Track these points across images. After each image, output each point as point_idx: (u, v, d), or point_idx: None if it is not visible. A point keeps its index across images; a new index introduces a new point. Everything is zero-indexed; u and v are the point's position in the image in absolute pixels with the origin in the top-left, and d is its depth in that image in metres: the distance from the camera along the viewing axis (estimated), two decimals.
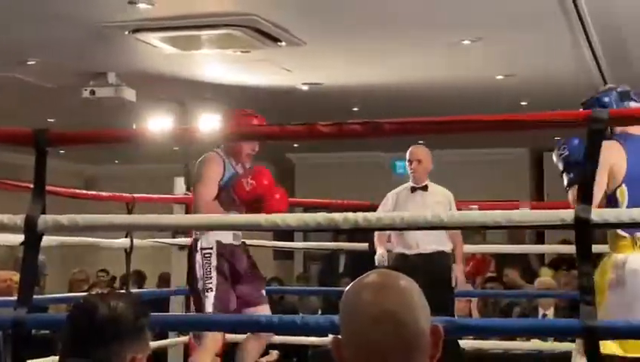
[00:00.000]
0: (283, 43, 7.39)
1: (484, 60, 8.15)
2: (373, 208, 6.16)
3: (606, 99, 4.06)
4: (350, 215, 3.76)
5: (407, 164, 6.15)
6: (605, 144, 3.49)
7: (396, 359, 1.54)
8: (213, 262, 4.81)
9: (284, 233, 10.49)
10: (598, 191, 3.67)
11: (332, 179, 12.65)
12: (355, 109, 10.12)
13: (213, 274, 4.80)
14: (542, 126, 3.65)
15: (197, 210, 4.79)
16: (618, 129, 4.00)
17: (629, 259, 3.85)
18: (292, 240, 10.91)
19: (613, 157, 3.87)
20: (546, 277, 8.28)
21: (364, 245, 7.11)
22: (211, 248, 4.82)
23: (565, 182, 4.03)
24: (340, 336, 1.60)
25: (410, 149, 6.16)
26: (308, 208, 9.45)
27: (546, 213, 3.39)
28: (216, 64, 8.32)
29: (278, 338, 6.94)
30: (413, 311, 1.57)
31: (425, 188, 6.10)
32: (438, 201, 6.00)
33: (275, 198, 4.83)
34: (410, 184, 6.14)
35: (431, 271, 5.72)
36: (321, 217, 3.80)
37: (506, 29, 7.14)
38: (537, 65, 8.30)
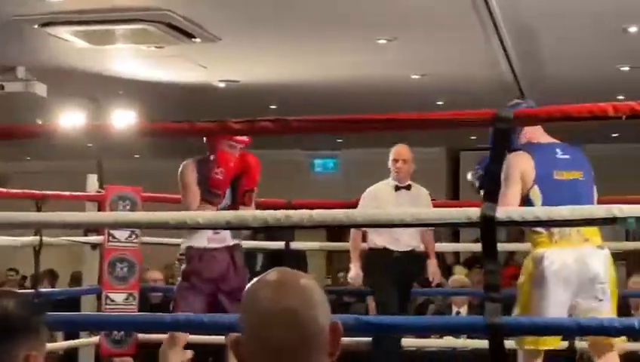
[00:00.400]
0: (198, 39, 7.33)
1: (400, 60, 8.20)
2: (290, 206, 6.10)
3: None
4: (259, 213, 3.75)
5: (391, 162, 6.20)
6: (515, 154, 4.15)
7: (294, 356, 1.54)
8: (182, 265, 4.99)
9: None
10: (515, 197, 4.08)
11: None
12: (273, 107, 10.09)
13: (178, 278, 4.99)
14: (449, 125, 3.70)
15: None
16: (524, 140, 4.34)
17: (547, 254, 4.08)
18: None
19: (522, 164, 4.18)
20: (459, 275, 8.37)
21: (281, 244, 7.10)
22: (183, 254, 4.99)
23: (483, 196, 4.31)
24: (239, 334, 1.58)
25: (395, 149, 6.25)
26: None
27: (453, 211, 3.41)
28: (129, 59, 8.22)
29: (194, 338, 6.91)
30: (313, 308, 1.56)
31: (408, 187, 6.18)
32: (421, 201, 6.09)
33: (249, 169, 5.01)
34: (390, 182, 6.18)
35: (411, 268, 6.02)
36: (230, 215, 3.78)
37: (421, 29, 7.20)
38: (452, 65, 8.39)
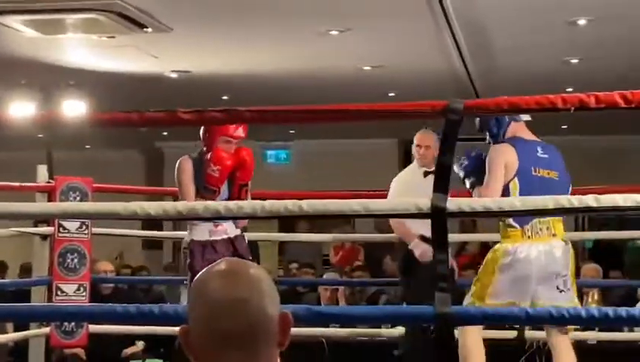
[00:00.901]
0: (149, 29, 7.28)
1: (353, 51, 8.21)
2: None
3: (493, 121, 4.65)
4: (211, 204, 3.74)
5: (415, 149, 6.03)
6: (500, 145, 4.48)
7: (243, 345, 1.54)
8: (187, 260, 5.08)
9: (154, 223, 10.39)
10: (498, 185, 4.37)
11: None
12: (225, 98, 10.06)
13: (188, 271, 5.07)
14: (400, 116, 3.72)
15: None
16: (509, 134, 4.60)
17: (518, 247, 4.35)
18: (161, 230, 10.83)
19: (507, 154, 4.43)
20: None
21: None
22: (186, 247, 5.08)
23: (468, 186, 4.72)
24: (189, 325, 1.58)
25: (417, 135, 6.03)
26: (177, 198, 9.35)
27: (403, 201, 3.44)
28: (80, 49, 8.14)
29: (144, 329, 6.88)
30: (262, 298, 1.56)
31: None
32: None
33: (245, 163, 5.14)
34: (418, 168, 5.98)
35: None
36: (182, 206, 3.77)
37: (373, 20, 7.21)
38: (404, 57, 8.42)
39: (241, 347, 1.54)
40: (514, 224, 4.39)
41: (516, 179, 4.40)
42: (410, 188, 5.68)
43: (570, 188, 4.50)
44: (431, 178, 5.80)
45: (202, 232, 5.03)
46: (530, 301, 4.30)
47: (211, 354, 1.55)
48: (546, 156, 4.52)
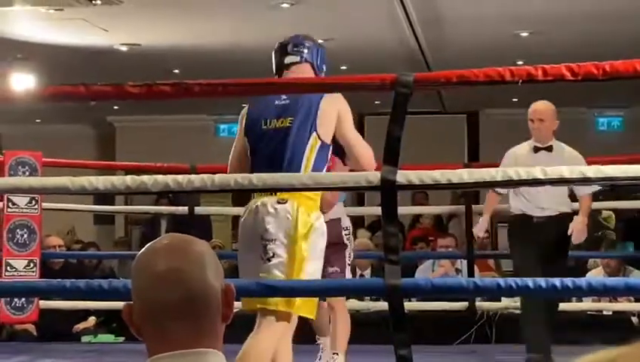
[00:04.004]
0: (98, 1, 7.21)
1: (303, 24, 8.14)
2: (194, 171, 6.07)
3: None
4: (160, 177, 3.72)
5: (529, 122, 5.54)
6: None
7: (182, 316, 1.53)
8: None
9: (105, 197, 10.31)
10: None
11: (155, 143, 12.46)
12: (176, 71, 9.99)
13: None
14: (350, 88, 3.71)
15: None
16: None
17: None
18: (113, 205, 10.76)
19: None
20: (363, 238, 8.44)
21: (185, 209, 7.07)
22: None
23: None
24: (131, 302, 1.58)
25: (531, 107, 5.56)
26: (129, 172, 9.28)
27: (353, 174, 3.45)
28: (28, 22, 8.02)
29: (96, 304, 6.84)
30: (201, 269, 1.56)
31: (549, 148, 5.52)
32: (564, 163, 5.11)
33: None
34: (531, 142, 5.56)
35: (555, 234, 5.41)
36: (130, 180, 3.74)
37: None
38: (356, 30, 8.41)
39: (181, 318, 1.53)
40: None
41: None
42: (517, 163, 5.21)
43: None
44: (542, 154, 5.52)
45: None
46: None
47: (152, 326, 1.54)
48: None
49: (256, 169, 3.67)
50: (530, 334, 5.23)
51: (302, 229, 3.48)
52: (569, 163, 5.07)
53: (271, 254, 3.47)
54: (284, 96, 3.75)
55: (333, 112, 3.67)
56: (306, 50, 3.86)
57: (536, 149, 5.50)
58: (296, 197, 3.52)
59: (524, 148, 5.58)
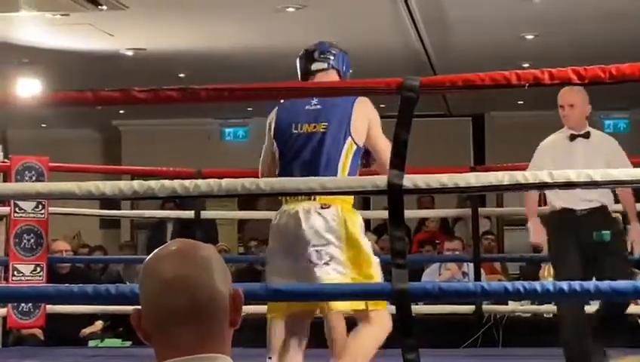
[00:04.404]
0: (104, 6, 7.21)
1: (309, 27, 8.16)
2: (200, 175, 6.07)
3: None
4: (167, 182, 3.72)
5: (559, 109, 5.25)
6: None
7: (189, 321, 1.54)
8: None
9: (111, 201, 10.31)
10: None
11: (161, 147, 12.48)
12: (182, 75, 10.00)
13: None
14: (356, 93, 3.71)
15: None
16: None
17: None
18: (119, 209, 10.76)
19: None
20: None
21: (191, 213, 7.07)
22: None
23: None
24: (139, 307, 1.59)
25: (560, 92, 5.22)
26: (135, 176, 9.30)
27: (360, 179, 3.45)
28: (35, 27, 8.04)
29: (103, 308, 6.85)
30: (209, 275, 1.57)
31: (586, 135, 5.22)
32: (602, 150, 5.16)
33: None
34: (565, 131, 5.25)
35: (598, 226, 5.06)
36: (137, 185, 3.74)
37: None
38: (361, 33, 8.39)
39: (189, 323, 1.54)
40: None
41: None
42: (554, 154, 5.10)
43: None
44: (579, 141, 5.22)
45: None
46: None
47: (160, 331, 1.55)
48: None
49: (287, 173, 3.71)
50: (563, 339, 4.94)
51: (353, 228, 3.60)
52: (609, 152, 5.09)
53: (328, 258, 3.54)
54: (314, 101, 3.80)
55: (365, 117, 3.76)
56: (332, 57, 3.98)
57: (572, 137, 5.18)
58: (337, 202, 3.61)
59: (559, 137, 5.24)
